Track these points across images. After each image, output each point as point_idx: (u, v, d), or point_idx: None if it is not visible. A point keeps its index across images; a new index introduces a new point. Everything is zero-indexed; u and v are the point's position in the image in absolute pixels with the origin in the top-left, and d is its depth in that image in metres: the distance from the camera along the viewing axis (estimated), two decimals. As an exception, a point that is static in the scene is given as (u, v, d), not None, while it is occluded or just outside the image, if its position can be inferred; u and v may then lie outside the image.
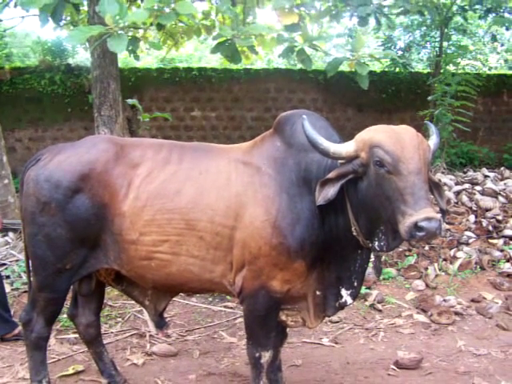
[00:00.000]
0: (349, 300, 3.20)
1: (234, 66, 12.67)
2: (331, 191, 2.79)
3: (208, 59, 20.00)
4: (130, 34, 5.02)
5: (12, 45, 16.22)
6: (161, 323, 3.60)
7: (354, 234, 2.95)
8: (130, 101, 7.26)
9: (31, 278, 3.43)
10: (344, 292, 3.17)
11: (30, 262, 3.33)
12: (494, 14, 11.69)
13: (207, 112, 13.17)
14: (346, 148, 2.80)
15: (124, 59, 14.31)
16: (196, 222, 3.04)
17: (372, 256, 3.19)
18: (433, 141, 3.03)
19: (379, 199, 2.71)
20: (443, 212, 3.03)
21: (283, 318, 3.32)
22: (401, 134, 2.74)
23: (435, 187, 2.95)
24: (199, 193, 3.06)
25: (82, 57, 13.57)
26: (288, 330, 3.64)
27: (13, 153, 11.43)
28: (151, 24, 5.86)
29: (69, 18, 7.90)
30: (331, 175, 2.81)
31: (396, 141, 2.69)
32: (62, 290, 3.30)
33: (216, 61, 17.90)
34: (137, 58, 6.37)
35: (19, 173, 10.70)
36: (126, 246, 3.12)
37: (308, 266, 3.04)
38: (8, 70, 11.85)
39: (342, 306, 3.25)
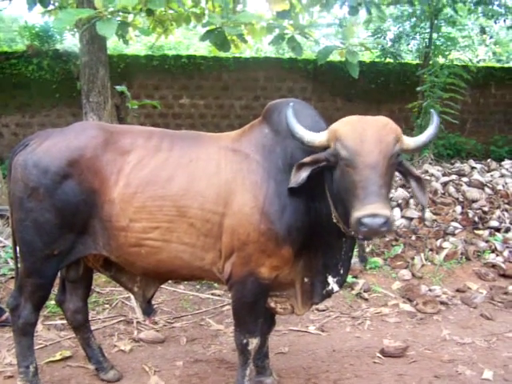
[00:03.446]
0: (335, 287, 3.25)
1: (223, 55, 12.62)
2: (303, 175, 2.85)
3: (196, 47, 19.92)
4: (119, 18, 4.99)
5: (-1, 29, 16.06)
6: (149, 310, 3.61)
7: (335, 221, 2.98)
8: (118, 87, 7.23)
9: (19, 264, 3.42)
10: (331, 279, 3.22)
11: (18, 247, 3.31)
12: (483, 7, 11.73)
13: (196, 100, 13.14)
14: (319, 137, 2.83)
15: (113, 46, 14.21)
16: (187, 209, 3.04)
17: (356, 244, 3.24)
18: (427, 132, 2.94)
19: (343, 190, 2.77)
20: (423, 207, 3.03)
21: (272, 304, 3.35)
22: (365, 126, 2.74)
23: (416, 181, 2.93)
24: (190, 180, 3.07)
25: (70, 42, 13.44)
26: (276, 317, 3.67)
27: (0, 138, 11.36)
28: (141, 9, 5.82)
29: (57, 4, 7.80)
30: (306, 159, 2.86)
31: (357, 134, 2.70)
32: (49, 275, 3.29)
33: (204, 48, 17.85)
34: (126, 42, 6.35)
35: (6, 159, 10.66)
36: (116, 232, 3.11)
37: (295, 252, 3.07)
38: (-5, 54, 11.74)
39: (329, 294, 3.29)
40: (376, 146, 2.66)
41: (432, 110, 3.11)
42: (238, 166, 3.08)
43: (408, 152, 2.92)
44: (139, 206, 3.06)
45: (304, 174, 2.85)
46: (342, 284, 3.29)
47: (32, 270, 3.25)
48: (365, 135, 2.69)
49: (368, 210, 2.57)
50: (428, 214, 6.65)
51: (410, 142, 2.85)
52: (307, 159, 2.86)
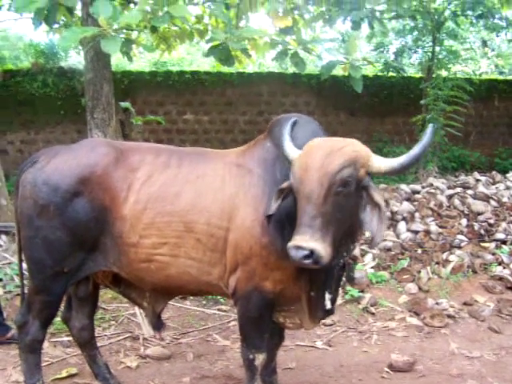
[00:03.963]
0: (328, 305, 3.19)
1: (226, 70, 12.68)
2: (274, 206, 2.84)
3: (199, 62, 20.02)
4: (123, 35, 5.03)
5: (4, 47, 16.18)
6: (158, 325, 3.60)
7: None
8: (123, 104, 7.27)
9: (27, 281, 3.41)
10: (327, 296, 3.17)
11: (27, 265, 3.30)
12: (484, 20, 11.78)
13: (200, 115, 13.18)
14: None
15: (117, 63, 14.29)
16: (193, 225, 3.05)
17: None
18: (408, 153, 2.71)
19: None
20: (373, 238, 2.76)
21: (281, 319, 3.33)
22: (314, 152, 2.68)
23: (374, 208, 2.72)
24: (197, 196, 3.08)
25: (74, 60, 13.56)
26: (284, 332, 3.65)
27: (5, 155, 11.41)
28: (145, 27, 5.87)
29: (62, 22, 7.87)
30: (284, 185, 2.85)
31: (304, 161, 2.68)
32: (58, 293, 3.28)
33: (208, 64, 17.92)
34: (130, 59, 6.37)
35: (11, 175, 10.67)
36: (126, 248, 3.12)
37: None
38: (0, 72, 11.81)
39: (328, 311, 3.24)
40: (314, 175, 2.60)
41: (430, 125, 2.82)
42: (241, 181, 3.10)
43: (382, 175, 2.77)
44: (148, 222, 3.07)
45: (276, 204, 2.84)
46: (334, 302, 3.24)
47: (41, 288, 3.25)
48: (310, 163, 2.64)
49: (293, 241, 2.57)
50: (434, 228, 6.63)
51: (382, 164, 2.71)
52: (285, 185, 2.85)
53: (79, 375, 4.08)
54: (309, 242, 2.52)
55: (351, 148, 2.69)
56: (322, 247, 2.54)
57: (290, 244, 2.57)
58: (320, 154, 2.64)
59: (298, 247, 2.53)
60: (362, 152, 2.71)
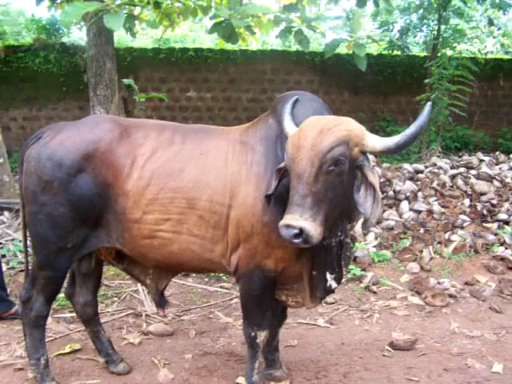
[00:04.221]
0: (333, 284, 3.19)
1: (230, 47, 12.61)
2: (273, 185, 2.84)
3: (202, 40, 19.89)
4: (126, 11, 4.99)
5: (5, 23, 16.06)
6: (162, 302, 3.61)
7: None
8: (125, 81, 7.22)
9: (31, 257, 3.42)
10: (328, 276, 3.16)
11: (31, 240, 3.31)
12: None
13: (203, 93, 13.13)
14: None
15: (119, 39, 14.19)
16: (196, 201, 3.05)
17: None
18: (404, 133, 2.65)
19: None
20: (366, 220, 2.71)
21: (283, 298, 3.35)
22: (303, 132, 2.67)
23: (368, 188, 2.69)
24: (200, 172, 3.07)
25: (76, 36, 13.46)
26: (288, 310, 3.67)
27: (7, 132, 11.40)
28: (148, 2, 5.82)
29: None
30: (282, 165, 2.83)
31: (296, 140, 2.66)
32: (62, 268, 3.29)
33: (210, 41, 17.82)
34: (133, 35, 6.35)
35: (14, 152, 10.69)
36: (129, 224, 3.12)
37: None
38: (1, 48, 11.75)
39: (329, 290, 3.24)
40: (306, 154, 2.58)
41: (428, 104, 2.68)
42: (244, 158, 3.09)
43: (377, 154, 2.74)
44: (152, 198, 3.07)
45: (277, 181, 2.85)
46: (339, 280, 3.24)
47: (45, 263, 3.26)
48: (302, 141, 2.62)
49: (284, 219, 2.57)
50: (437, 207, 6.63)
51: (377, 143, 2.67)
52: (282, 164, 2.83)
53: (82, 351, 4.11)
54: (298, 220, 2.51)
55: (344, 126, 2.65)
56: (311, 226, 2.52)
57: (281, 223, 2.58)
58: (312, 133, 2.62)
59: (288, 226, 2.53)
60: (356, 131, 2.67)
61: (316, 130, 2.62)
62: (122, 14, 4.23)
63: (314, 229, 2.53)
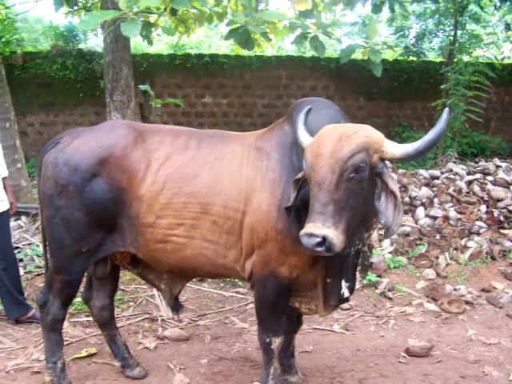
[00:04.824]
0: (346, 293, 3.17)
1: (245, 53, 12.62)
2: (292, 197, 2.83)
3: (218, 46, 19.95)
4: (143, 18, 5.01)
5: (23, 30, 16.23)
6: (176, 307, 3.63)
7: None
8: (141, 86, 7.27)
9: (48, 261, 3.46)
10: (343, 284, 3.15)
11: (48, 244, 3.35)
12: (509, 3, 11.56)
13: (218, 99, 13.17)
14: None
15: (136, 45, 14.29)
16: (210, 207, 3.06)
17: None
18: (423, 139, 2.63)
19: None
20: (388, 228, 2.68)
21: (297, 305, 3.35)
22: (322, 139, 2.65)
23: (389, 196, 2.68)
24: (214, 178, 3.09)
25: (93, 42, 13.58)
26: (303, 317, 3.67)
27: (24, 137, 11.47)
28: (164, 9, 5.85)
29: (80, 3, 7.88)
30: (299, 176, 2.83)
31: (316, 148, 2.64)
32: (78, 272, 3.33)
33: (226, 47, 17.86)
34: (150, 42, 6.38)
35: (31, 157, 10.80)
36: (143, 229, 3.15)
37: None
38: (20, 54, 11.87)
39: (342, 299, 3.22)
40: (325, 162, 2.56)
41: (446, 110, 2.68)
42: (259, 164, 3.09)
43: (396, 160, 2.71)
44: (165, 203, 3.09)
45: (295, 192, 2.83)
46: (352, 290, 3.22)
47: (61, 267, 3.30)
48: (322, 149, 2.60)
49: (306, 228, 2.54)
50: (453, 213, 6.59)
51: (396, 150, 2.64)
52: (300, 175, 2.82)
53: (98, 355, 4.14)
54: (321, 229, 2.49)
55: (363, 133, 2.63)
56: (334, 234, 2.50)
57: (302, 231, 2.55)
58: (331, 140, 2.61)
59: (310, 234, 2.50)
60: (375, 137, 2.66)
61: (335, 138, 2.61)
62: (138, 22, 4.25)
63: (336, 237, 2.51)
